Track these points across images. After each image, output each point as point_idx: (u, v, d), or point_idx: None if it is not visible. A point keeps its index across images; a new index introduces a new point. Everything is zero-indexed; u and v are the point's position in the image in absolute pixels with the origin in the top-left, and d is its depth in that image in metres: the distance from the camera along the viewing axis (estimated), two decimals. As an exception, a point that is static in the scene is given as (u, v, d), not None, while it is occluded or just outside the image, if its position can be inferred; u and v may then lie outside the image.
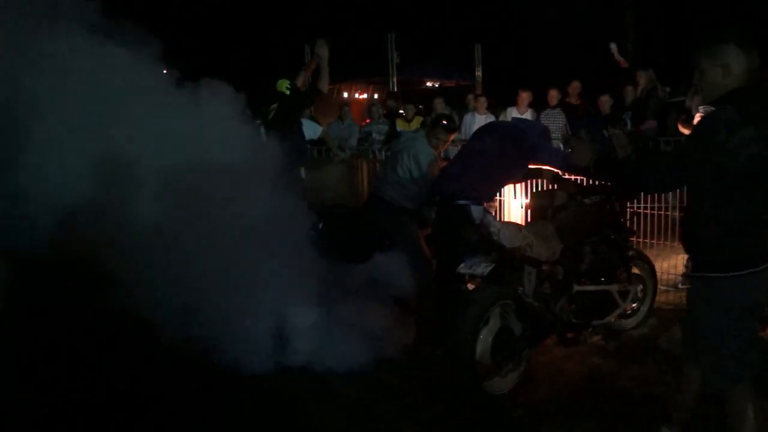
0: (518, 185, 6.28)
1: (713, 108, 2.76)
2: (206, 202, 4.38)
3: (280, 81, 6.82)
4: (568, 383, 4.30)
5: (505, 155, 4.89)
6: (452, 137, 5.90)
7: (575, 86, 9.70)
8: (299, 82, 7.03)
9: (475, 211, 4.18)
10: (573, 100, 9.69)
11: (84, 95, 4.24)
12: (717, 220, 2.71)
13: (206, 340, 4.20)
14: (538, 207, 4.69)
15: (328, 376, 4.30)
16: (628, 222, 4.90)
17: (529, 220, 4.95)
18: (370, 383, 4.28)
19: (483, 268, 3.98)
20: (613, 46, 9.39)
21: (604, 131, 3.43)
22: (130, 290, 4.18)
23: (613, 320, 4.79)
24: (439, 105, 10.23)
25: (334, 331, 4.52)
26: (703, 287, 2.84)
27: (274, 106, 6.76)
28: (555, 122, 9.12)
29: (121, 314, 4.22)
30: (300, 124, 7.03)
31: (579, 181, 4.89)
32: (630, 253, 4.77)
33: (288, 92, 6.78)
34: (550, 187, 5.08)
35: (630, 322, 5.03)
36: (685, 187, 3.01)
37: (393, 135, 9.59)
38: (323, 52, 6.57)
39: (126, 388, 4.08)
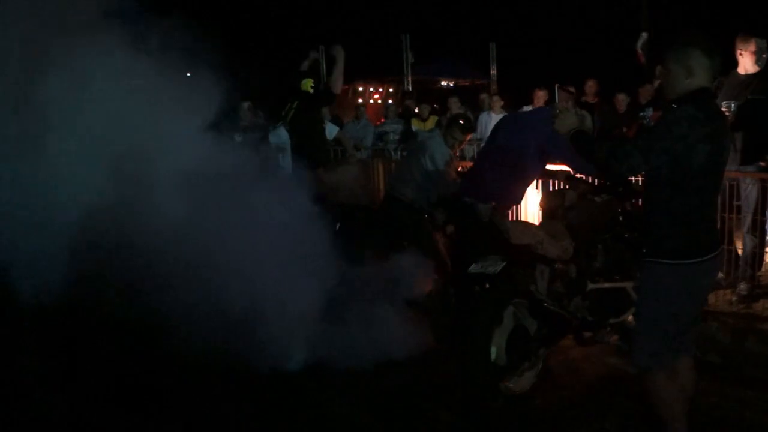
0: (536, 185, 6.24)
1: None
2: (223, 201, 4.38)
3: (304, 80, 6.87)
4: (586, 383, 4.28)
5: (517, 148, 4.85)
6: (469, 137, 5.90)
7: (591, 85, 9.64)
8: (305, 68, 7.10)
9: (482, 209, 4.14)
10: (589, 98, 9.63)
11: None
12: (669, 209, 2.94)
13: (221, 341, 4.20)
14: (549, 207, 4.72)
15: (342, 377, 4.31)
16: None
17: (541, 219, 4.93)
18: (384, 384, 4.28)
19: (494, 267, 3.98)
20: (644, 36, 9.22)
21: (575, 109, 3.47)
22: (147, 290, 4.18)
23: (630, 319, 4.76)
24: (454, 105, 10.23)
25: (349, 331, 4.53)
26: (647, 271, 3.08)
27: (294, 105, 6.80)
28: None
29: (133, 315, 4.24)
30: (323, 123, 7.08)
31: (591, 181, 4.89)
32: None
33: (312, 91, 6.83)
34: (562, 186, 5.06)
35: None
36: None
37: (408, 134, 9.61)
38: (339, 54, 6.61)
39: (135, 386, 4.10)
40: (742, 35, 5.56)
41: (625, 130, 9.01)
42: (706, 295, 3.18)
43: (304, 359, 4.43)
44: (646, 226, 3.12)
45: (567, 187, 4.86)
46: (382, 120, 10.92)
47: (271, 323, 4.32)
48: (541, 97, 9.32)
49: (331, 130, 8.09)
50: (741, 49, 5.54)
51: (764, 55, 5.50)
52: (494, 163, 4.94)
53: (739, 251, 5.68)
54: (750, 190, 5.49)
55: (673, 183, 2.91)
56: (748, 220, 5.55)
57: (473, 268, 4.07)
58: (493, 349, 3.91)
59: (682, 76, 2.98)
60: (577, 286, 4.32)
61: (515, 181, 5.01)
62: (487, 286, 3.96)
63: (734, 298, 5.53)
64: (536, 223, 5.51)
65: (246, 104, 8.99)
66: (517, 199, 5.37)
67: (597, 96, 9.64)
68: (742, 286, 5.59)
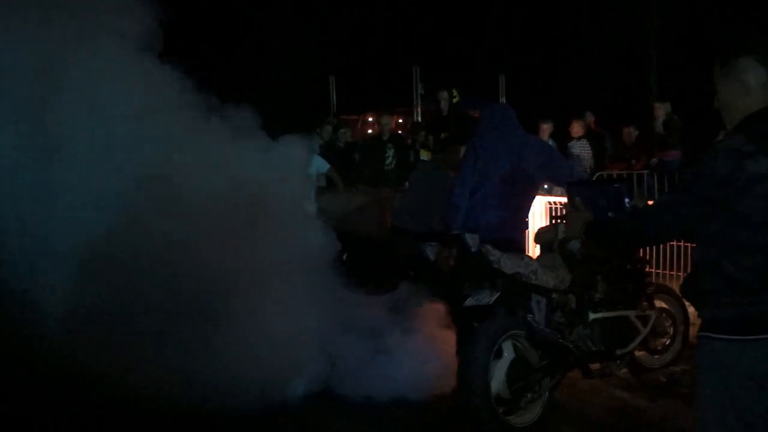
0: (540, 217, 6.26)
1: None
2: (234, 233, 4.41)
3: None
4: (593, 417, 4.26)
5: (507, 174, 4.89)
6: (462, 149, 5.70)
7: (590, 118, 9.84)
8: None
9: (470, 239, 4.13)
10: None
11: None
12: (723, 271, 2.17)
13: (237, 373, 4.20)
14: (543, 242, 4.76)
15: (345, 408, 4.33)
16: (641, 252, 4.94)
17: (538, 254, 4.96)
18: (391, 414, 4.28)
19: (488, 298, 3.98)
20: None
21: (626, 203, 3.36)
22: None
23: (638, 353, 4.74)
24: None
25: (357, 362, 4.54)
26: (701, 349, 2.26)
27: None
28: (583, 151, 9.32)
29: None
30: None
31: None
32: (647, 279, 4.75)
33: None
34: (554, 222, 5.11)
35: (664, 358, 4.93)
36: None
37: (417, 165, 9.64)
38: None
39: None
40: None
41: (633, 162, 9.06)
42: None
43: (309, 390, 4.43)
44: (696, 293, 2.33)
45: (560, 220, 4.93)
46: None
47: (277, 354, 4.33)
48: (546, 130, 9.46)
49: (321, 166, 7.98)
50: None
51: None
52: (493, 192, 4.91)
53: None
54: None
55: (725, 239, 2.16)
56: None
57: (468, 301, 4.08)
58: (494, 381, 3.89)
59: (737, 95, 2.24)
60: (577, 316, 4.32)
61: (520, 208, 5.03)
62: (484, 318, 3.97)
63: None
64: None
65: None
66: (525, 224, 5.35)
67: (597, 127, 9.82)
68: None
